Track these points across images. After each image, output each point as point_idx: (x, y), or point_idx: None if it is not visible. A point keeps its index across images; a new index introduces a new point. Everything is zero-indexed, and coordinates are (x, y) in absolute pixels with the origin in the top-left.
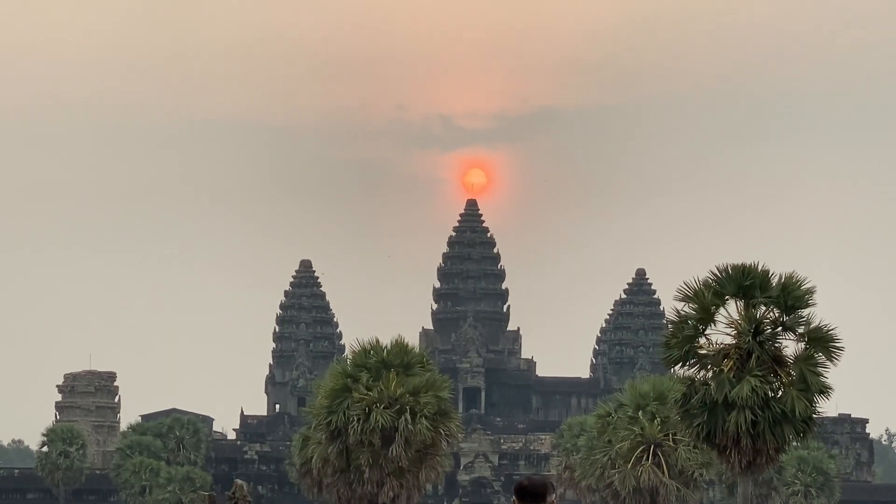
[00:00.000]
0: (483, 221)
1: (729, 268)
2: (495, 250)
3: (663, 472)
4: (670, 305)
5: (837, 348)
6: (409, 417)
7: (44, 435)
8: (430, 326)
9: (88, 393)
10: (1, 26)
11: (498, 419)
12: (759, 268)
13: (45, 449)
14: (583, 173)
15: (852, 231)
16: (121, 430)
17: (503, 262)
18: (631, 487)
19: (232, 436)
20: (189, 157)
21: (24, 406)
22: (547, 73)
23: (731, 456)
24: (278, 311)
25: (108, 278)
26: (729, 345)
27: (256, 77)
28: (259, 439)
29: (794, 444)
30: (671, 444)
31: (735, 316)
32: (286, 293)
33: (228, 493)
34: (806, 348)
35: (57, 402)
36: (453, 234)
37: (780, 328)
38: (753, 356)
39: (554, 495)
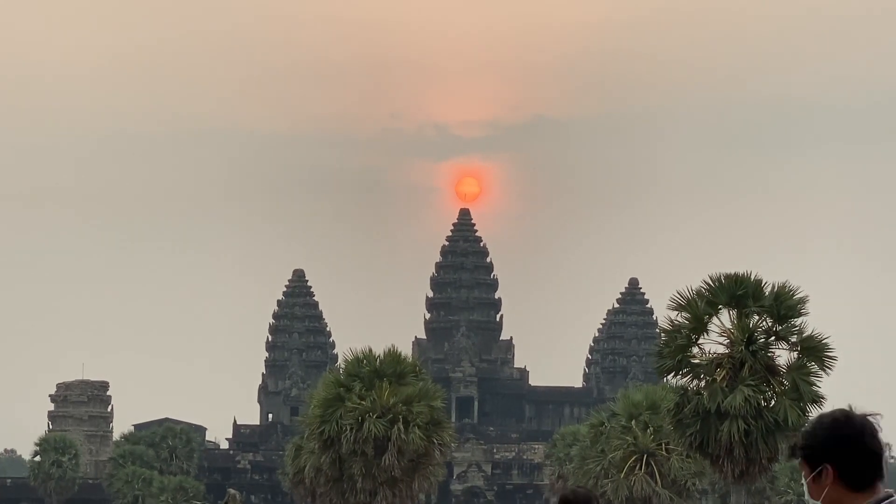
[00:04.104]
0: (476, 230)
1: (722, 277)
2: (488, 259)
3: (656, 482)
4: (663, 315)
5: (830, 357)
6: (401, 427)
7: (36, 444)
8: (422, 336)
9: (81, 402)
10: (6, 34)
11: (491, 429)
12: (752, 277)
13: (37, 459)
14: (576, 182)
15: (845, 240)
16: (113, 439)
17: (496, 272)
18: (624, 497)
19: (225, 445)
20: (181, 166)
21: (17, 416)
22: (541, 81)
23: (724, 465)
24: (271, 320)
25: (100, 287)
26: (722, 354)
27: (249, 85)
28: (252, 449)
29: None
30: (664, 453)
31: (728, 325)
32: (279, 302)
33: (221, 502)
34: (799, 358)
35: (49, 412)
36: (446, 243)
37: (772, 337)
38: (746, 365)
39: None
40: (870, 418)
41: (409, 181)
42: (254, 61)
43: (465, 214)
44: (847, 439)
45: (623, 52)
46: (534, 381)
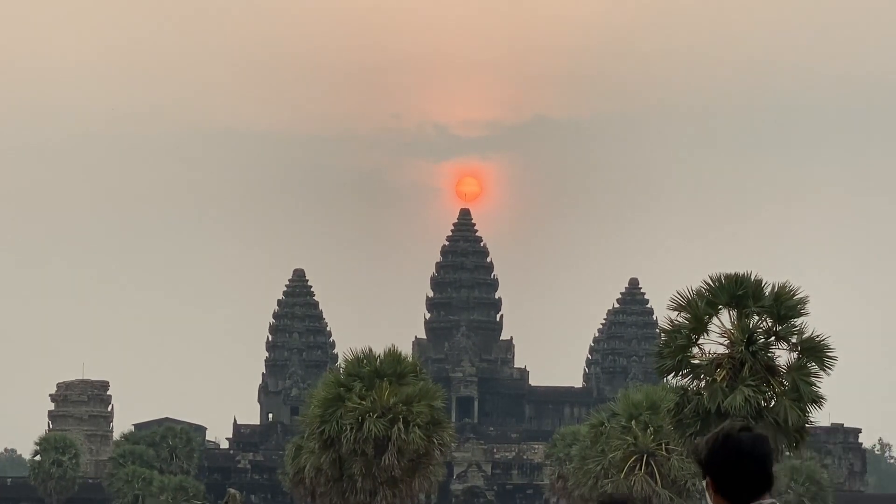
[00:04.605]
0: (476, 230)
1: (722, 277)
2: (489, 259)
3: (656, 482)
4: (663, 315)
5: (830, 358)
6: (402, 427)
7: (36, 444)
8: (423, 336)
9: (81, 402)
10: (5, 33)
11: (491, 428)
12: (753, 277)
13: (37, 458)
14: (576, 182)
15: (846, 240)
16: (114, 439)
17: (496, 272)
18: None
19: (225, 445)
20: (181, 166)
21: (17, 415)
22: (541, 82)
23: None
24: (271, 320)
25: (100, 287)
26: (722, 354)
27: (251, 86)
28: (252, 448)
29: (787, 453)
30: (664, 453)
31: (728, 325)
32: (279, 302)
33: (221, 502)
34: (799, 358)
35: (50, 412)
36: (446, 243)
37: (773, 338)
38: (746, 366)
39: None
40: (756, 438)
41: (409, 181)
42: (253, 61)
43: (465, 214)
44: (722, 459)
45: (623, 52)
46: (534, 381)
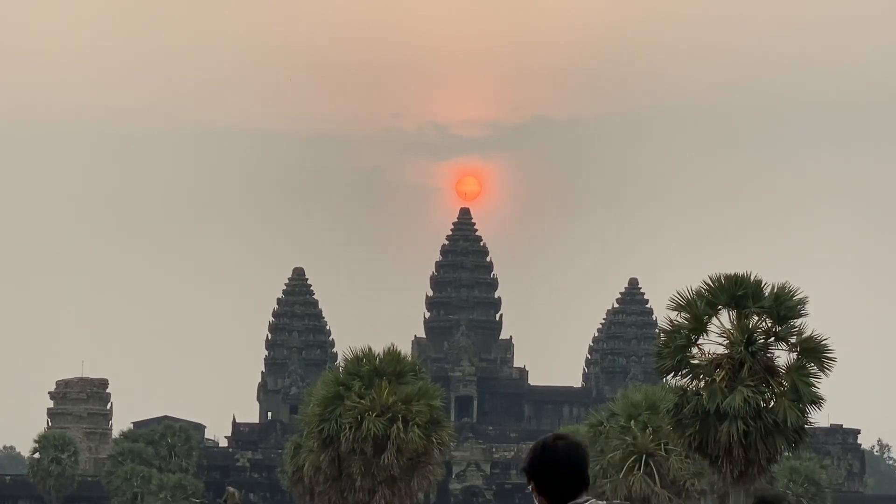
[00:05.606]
0: (476, 230)
1: (722, 277)
2: (488, 259)
3: (655, 482)
4: (663, 315)
5: (829, 359)
6: (401, 426)
7: (36, 442)
8: (422, 335)
9: (80, 400)
10: (2, 30)
11: (490, 428)
12: (752, 278)
13: (36, 456)
14: (576, 182)
15: (845, 241)
16: (113, 437)
17: (496, 271)
18: (623, 497)
19: (224, 443)
20: (181, 165)
21: (16, 413)
22: (541, 82)
23: (723, 466)
24: (271, 318)
25: (100, 285)
26: (721, 355)
27: (251, 85)
28: (251, 447)
29: (786, 454)
30: (663, 453)
31: (727, 326)
32: (279, 301)
33: (220, 500)
34: (798, 358)
35: (49, 409)
36: (446, 242)
37: (772, 338)
38: (745, 366)
39: None
40: (570, 445)
41: (409, 181)
42: (254, 60)
43: (465, 214)
44: (544, 465)
45: (622, 52)
46: (533, 380)
